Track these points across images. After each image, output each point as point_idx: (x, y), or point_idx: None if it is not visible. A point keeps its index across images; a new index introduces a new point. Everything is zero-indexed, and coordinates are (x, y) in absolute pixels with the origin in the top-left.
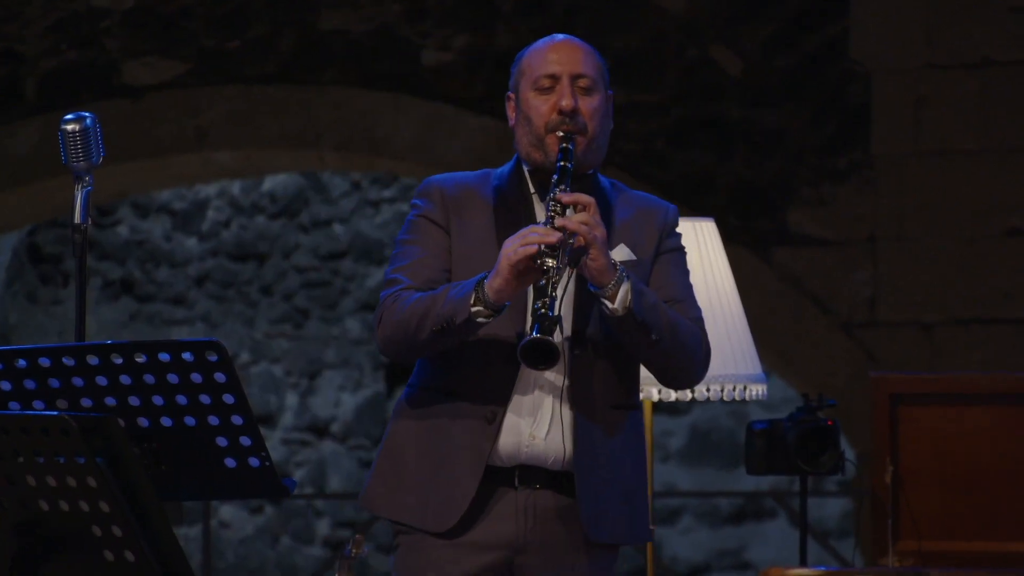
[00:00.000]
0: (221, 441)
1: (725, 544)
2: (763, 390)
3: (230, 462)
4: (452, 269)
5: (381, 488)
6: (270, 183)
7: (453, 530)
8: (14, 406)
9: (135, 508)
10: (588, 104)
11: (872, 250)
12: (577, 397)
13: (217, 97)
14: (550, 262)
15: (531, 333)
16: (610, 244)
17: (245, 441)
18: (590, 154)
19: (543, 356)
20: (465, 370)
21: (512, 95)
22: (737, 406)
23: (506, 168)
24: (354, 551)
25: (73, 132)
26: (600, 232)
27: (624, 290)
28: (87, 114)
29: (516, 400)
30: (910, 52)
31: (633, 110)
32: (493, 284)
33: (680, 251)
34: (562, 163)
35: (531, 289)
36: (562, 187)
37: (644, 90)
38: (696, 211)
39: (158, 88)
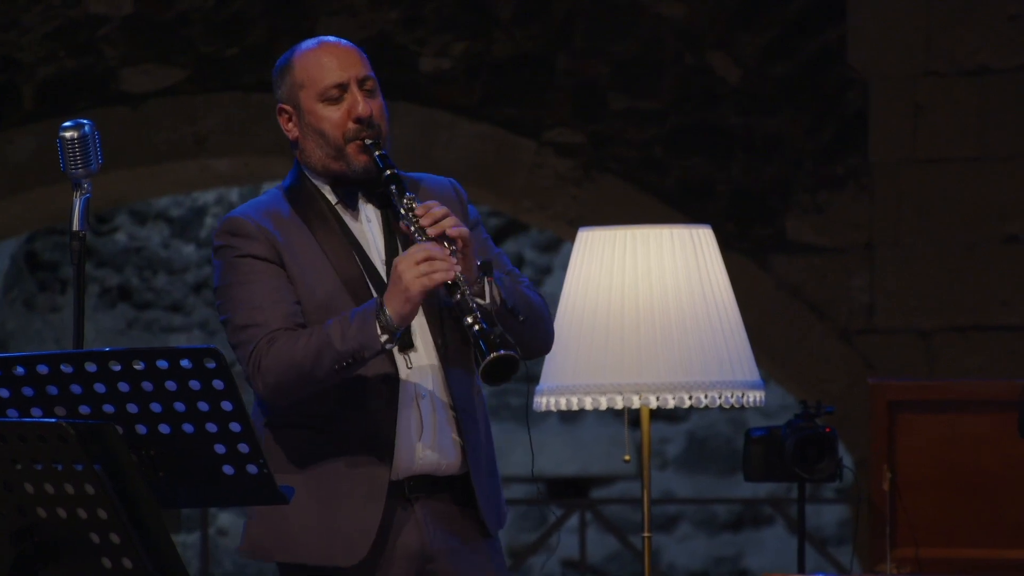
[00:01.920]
0: (219, 448)
1: (723, 551)
2: (761, 397)
3: (228, 469)
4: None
5: (268, 532)
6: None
7: (366, 559)
8: (12, 413)
9: (133, 515)
10: (376, 105)
11: (870, 257)
12: (455, 399)
13: (215, 104)
14: (460, 276)
15: (484, 352)
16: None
17: (243, 448)
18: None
19: (506, 371)
20: (342, 399)
21: (287, 107)
22: (735, 413)
23: (293, 182)
24: None
25: (71, 139)
26: (467, 230)
27: (488, 284)
28: (85, 121)
29: (402, 418)
30: (908, 59)
31: (631, 116)
32: (401, 311)
33: (481, 223)
34: (389, 172)
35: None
36: (409, 195)
37: (642, 97)
38: (694, 218)
39: (156, 95)
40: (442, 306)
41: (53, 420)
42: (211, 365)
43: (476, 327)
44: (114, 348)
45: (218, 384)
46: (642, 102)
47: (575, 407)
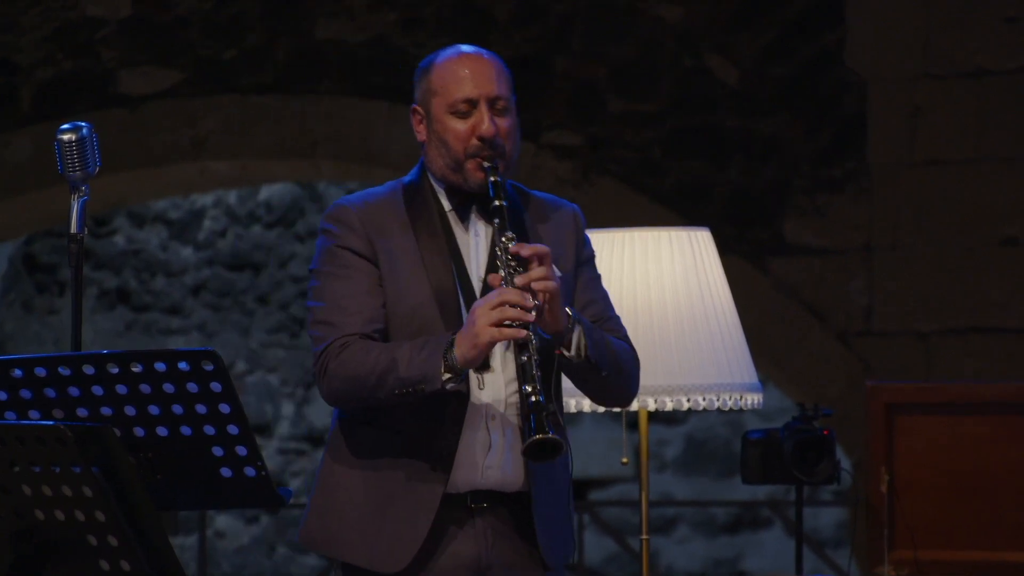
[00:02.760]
0: (217, 451)
1: (721, 553)
2: (759, 399)
3: (226, 472)
4: (386, 299)
5: (321, 525)
6: (266, 192)
7: (408, 568)
8: (10, 416)
9: (131, 518)
10: (505, 125)
11: (868, 259)
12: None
13: (213, 107)
14: (532, 339)
15: (532, 428)
16: None
17: (241, 451)
18: (507, 173)
19: (549, 453)
20: (409, 409)
21: (419, 109)
22: (733, 415)
23: (414, 180)
24: None
25: (69, 142)
26: (557, 285)
27: (577, 334)
28: (83, 124)
29: (467, 435)
30: (906, 61)
31: (629, 119)
32: (468, 355)
33: (593, 258)
34: (497, 203)
35: None
36: (508, 235)
37: (640, 99)
38: (692, 220)
39: (154, 98)
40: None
41: (51, 423)
42: (209, 367)
43: (532, 399)
44: (112, 350)
45: (216, 386)
46: (640, 104)
47: (573, 409)
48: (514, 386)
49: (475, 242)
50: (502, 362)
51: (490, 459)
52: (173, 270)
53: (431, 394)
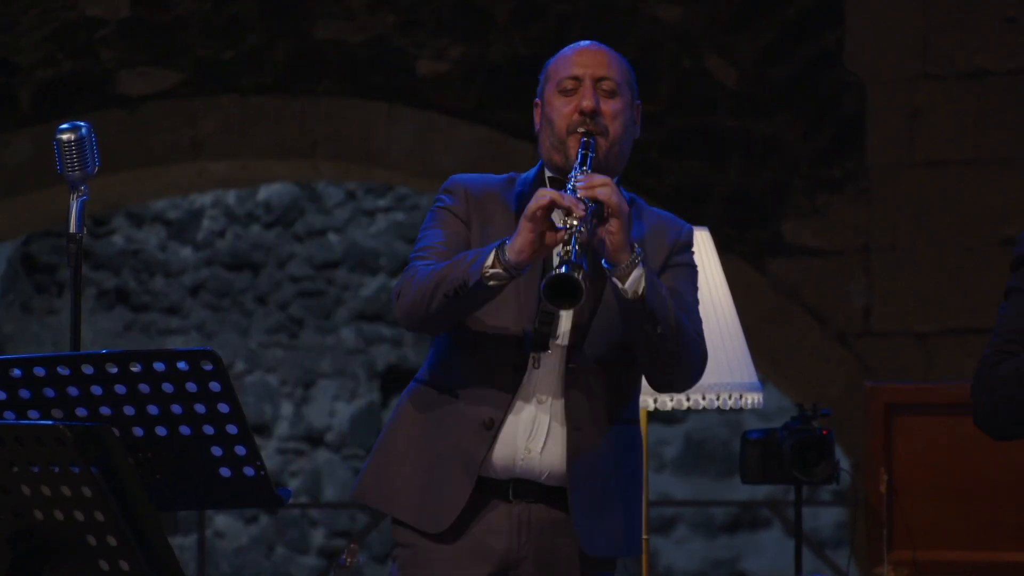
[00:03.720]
0: (216, 451)
1: (720, 554)
2: (758, 399)
3: (225, 472)
4: None
5: (375, 481)
6: (265, 193)
7: (448, 535)
8: (9, 416)
9: (130, 518)
10: (610, 106)
11: (867, 260)
12: (573, 412)
13: (212, 107)
14: (573, 221)
15: (556, 268)
16: None
17: (240, 451)
18: (611, 158)
19: (567, 293)
20: (469, 372)
21: (539, 101)
22: (732, 415)
23: (530, 174)
24: (349, 560)
25: (68, 142)
26: (624, 204)
27: (638, 274)
28: (82, 124)
29: (515, 410)
30: (905, 62)
31: None
32: (514, 244)
33: (690, 267)
34: (584, 152)
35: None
36: (584, 168)
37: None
38: (691, 221)
39: (153, 98)
40: (591, 325)
41: (50, 422)
42: (208, 367)
43: (565, 255)
44: (111, 350)
45: (215, 386)
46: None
47: None
48: (561, 379)
49: None
50: (556, 354)
51: (532, 442)
52: (172, 270)
53: (477, 291)
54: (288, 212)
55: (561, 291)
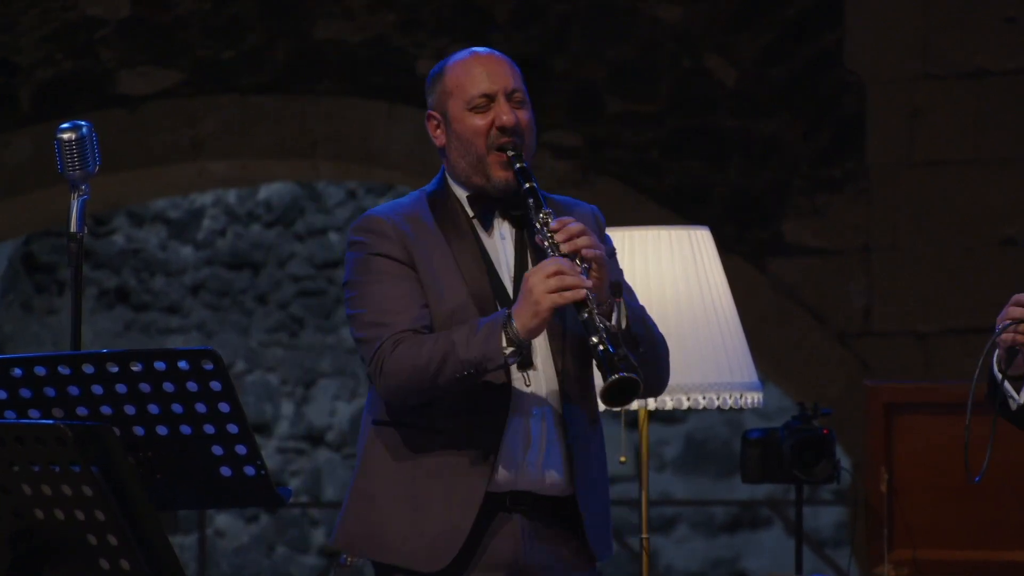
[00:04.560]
0: (216, 450)
1: (720, 553)
2: (759, 399)
3: (226, 471)
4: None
5: (359, 527)
6: (265, 192)
7: (449, 567)
8: (10, 415)
9: (130, 517)
10: (524, 116)
11: (867, 260)
12: (567, 426)
13: (212, 107)
14: (591, 295)
15: (607, 373)
16: None
17: (240, 450)
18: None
19: (627, 394)
20: (450, 407)
21: (435, 114)
22: (732, 415)
23: (436, 188)
24: (349, 560)
25: (69, 141)
26: (602, 251)
27: (620, 305)
28: (83, 123)
29: (510, 433)
30: (905, 62)
31: (628, 120)
32: (529, 325)
33: (614, 254)
34: (528, 184)
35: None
36: (546, 211)
37: (639, 100)
38: (691, 220)
39: (154, 98)
40: (566, 331)
41: (50, 422)
42: (209, 367)
43: (601, 347)
44: (111, 350)
45: (216, 385)
46: (639, 105)
47: None
48: (555, 385)
49: (502, 245)
50: (543, 364)
51: (531, 456)
52: (172, 269)
53: (492, 373)
54: (288, 211)
55: (623, 393)
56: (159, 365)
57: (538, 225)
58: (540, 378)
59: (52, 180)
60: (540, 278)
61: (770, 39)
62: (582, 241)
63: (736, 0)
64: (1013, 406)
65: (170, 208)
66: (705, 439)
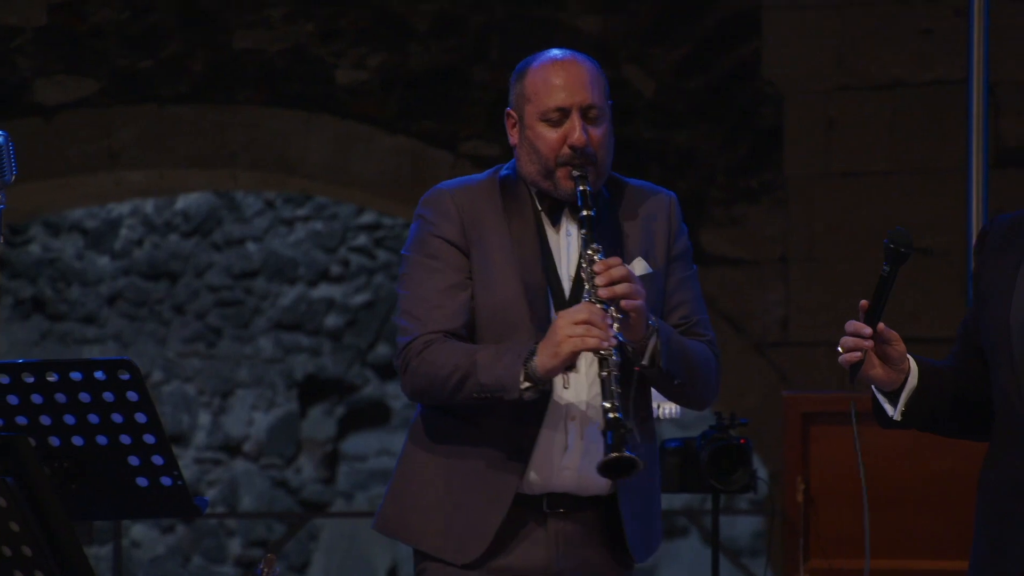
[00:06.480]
0: (133, 460)
1: None
2: (675, 408)
3: (142, 481)
4: (474, 292)
5: (396, 512)
6: (183, 202)
7: (478, 560)
8: None
9: (45, 528)
10: (597, 133)
11: (784, 270)
12: None
13: (130, 116)
14: (612, 353)
15: (608, 446)
16: (625, 258)
17: (157, 460)
18: (599, 180)
19: (625, 470)
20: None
21: (513, 114)
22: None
23: (511, 174)
24: (265, 570)
25: None
26: (642, 300)
27: (653, 344)
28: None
29: (546, 430)
30: (821, 74)
31: None
32: (548, 365)
33: (688, 253)
34: (585, 212)
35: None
36: (595, 247)
37: None
38: None
39: (70, 107)
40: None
41: None
42: (125, 377)
43: (611, 415)
44: (27, 360)
45: (132, 396)
46: None
47: None
48: (597, 388)
49: (567, 242)
50: (587, 364)
51: (567, 460)
52: (89, 279)
53: (509, 402)
54: (206, 221)
55: (620, 469)
56: (75, 375)
57: (583, 262)
58: (581, 381)
59: None
60: (567, 322)
61: (688, 50)
62: (621, 289)
63: (654, 11)
64: (895, 416)
65: (87, 218)
66: None
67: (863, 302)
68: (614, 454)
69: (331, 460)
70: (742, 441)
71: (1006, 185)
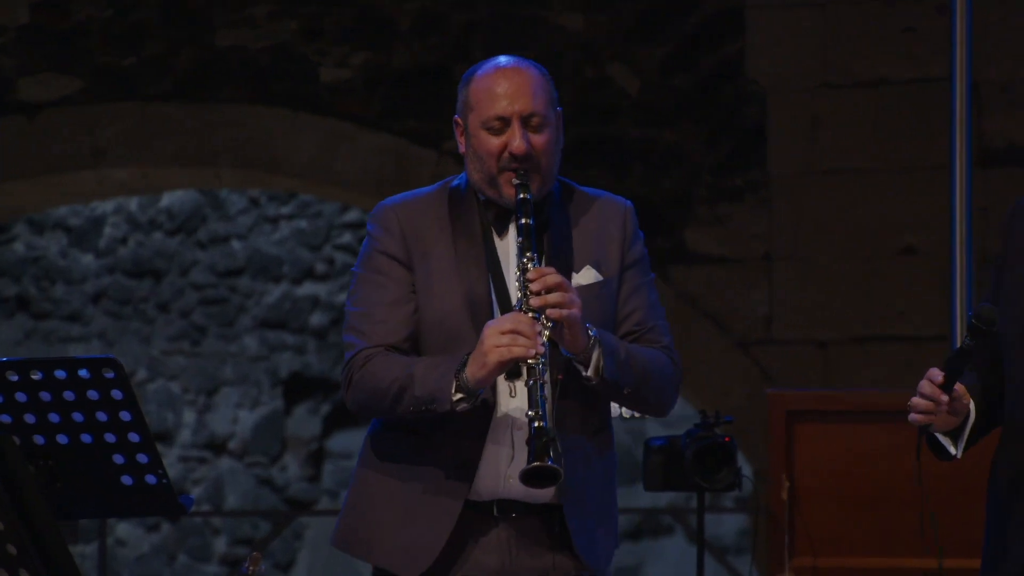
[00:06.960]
0: (118, 458)
1: (623, 561)
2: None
3: (127, 479)
4: (418, 304)
5: (351, 529)
6: (168, 199)
7: (430, 571)
8: None
9: (30, 526)
10: (539, 141)
11: (768, 268)
12: (558, 434)
13: (114, 114)
14: (539, 363)
15: (531, 455)
16: (574, 266)
17: (142, 458)
18: (544, 187)
19: (547, 480)
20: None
21: (460, 121)
22: (635, 423)
23: (461, 184)
24: (251, 569)
25: None
26: (576, 309)
27: (596, 356)
28: None
29: (491, 444)
30: (805, 72)
31: None
32: (478, 375)
33: (644, 261)
34: (524, 221)
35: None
36: (529, 255)
37: None
38: None
39: (54, 105)
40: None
41: None
42: (110, 375)
43: (536, 424)
44: (11, 358)
45: (117, 394)
46: None
47: None
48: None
49: (514, 248)
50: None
51: (513, 469)
52: (73, 278)
53: (445, 413)
54: (190, 219)
55: (541, 478)
56: (59, 373)
57: (517, 270)
58: (524, 392)
59: None
60: (494, 331)
61: (672, 48)
62: (553, 298)
63: (639, 10)
64: (958, 455)
65: (71, 216)
66: None
67: (935, 371)
68: (535, 463)
69: (316, 458)
70: (727, 439)
71: (990, 184)
